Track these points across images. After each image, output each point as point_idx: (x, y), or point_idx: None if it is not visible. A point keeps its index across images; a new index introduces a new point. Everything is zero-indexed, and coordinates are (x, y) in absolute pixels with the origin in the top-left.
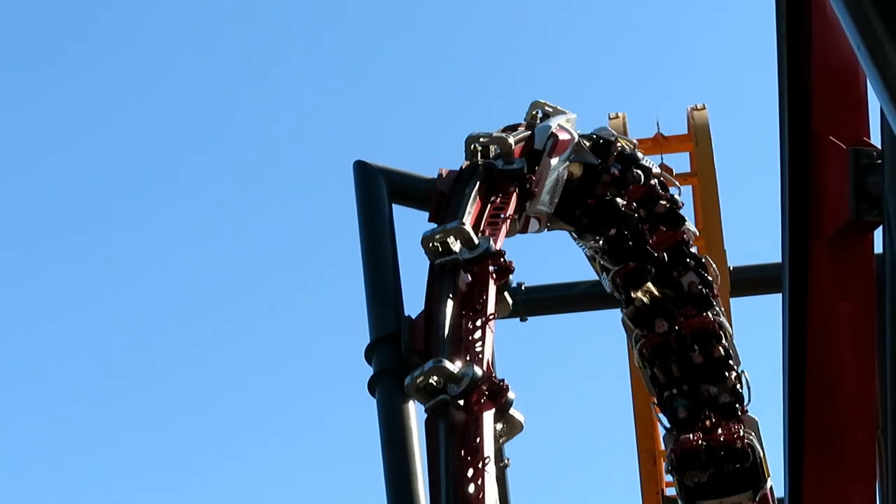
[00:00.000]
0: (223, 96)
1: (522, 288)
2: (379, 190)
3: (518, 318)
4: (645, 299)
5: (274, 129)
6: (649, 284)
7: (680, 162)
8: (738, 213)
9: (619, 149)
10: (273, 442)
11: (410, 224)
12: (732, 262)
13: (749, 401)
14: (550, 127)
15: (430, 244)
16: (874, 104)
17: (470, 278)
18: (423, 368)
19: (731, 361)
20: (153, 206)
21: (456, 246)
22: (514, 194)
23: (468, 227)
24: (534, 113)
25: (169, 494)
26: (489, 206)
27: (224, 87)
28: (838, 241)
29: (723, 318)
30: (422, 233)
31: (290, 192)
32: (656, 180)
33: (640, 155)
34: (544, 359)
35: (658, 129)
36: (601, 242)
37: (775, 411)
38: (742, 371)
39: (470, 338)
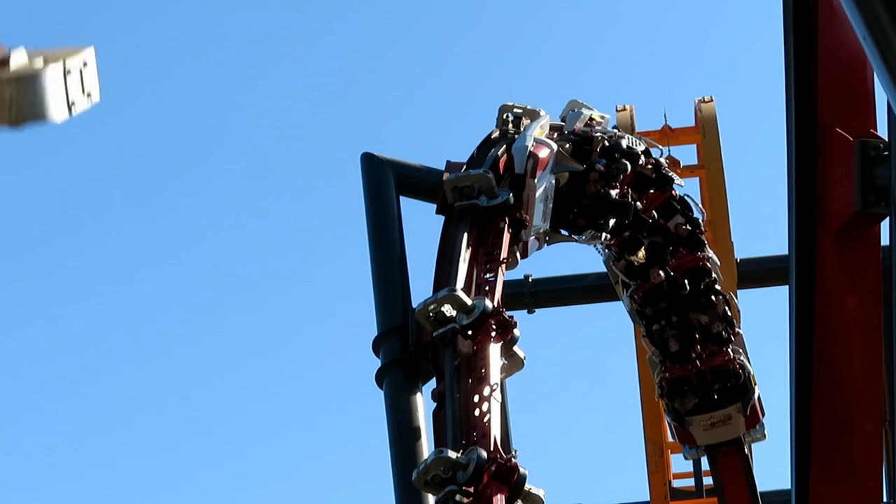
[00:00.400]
0: (231, 89)
1: (529, 280)
2: (386, 182)
3: (525, 311)
4: (640, 257)
5: (281, 122)
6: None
7: (687, 154)
8: (745, 205)
9: (600, 140)
10: (280, 435)
11: (418, 216)
12: (739, 255)
13: (739, 324)
14: (527, 147)
15: (427, 316)
16: (881, 97)
17: (472, 344)
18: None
19: (717, 287)
20: (161, 199)
21: (452, 313)
22: (506, 229)
23: (460, 292)
24: (504, 117)
25: (173, 488)
26: (481, 252)
27: (232, 80)
28: (845, 233)
29: (711, 253)
30: (417, 304)
31: (297, 185)
32: (643, 157)
33: (618, 135)
34: (552, 351)
35: (665, 121)
36: (607, 238)
37: (782, 403)
38: (729, 294)
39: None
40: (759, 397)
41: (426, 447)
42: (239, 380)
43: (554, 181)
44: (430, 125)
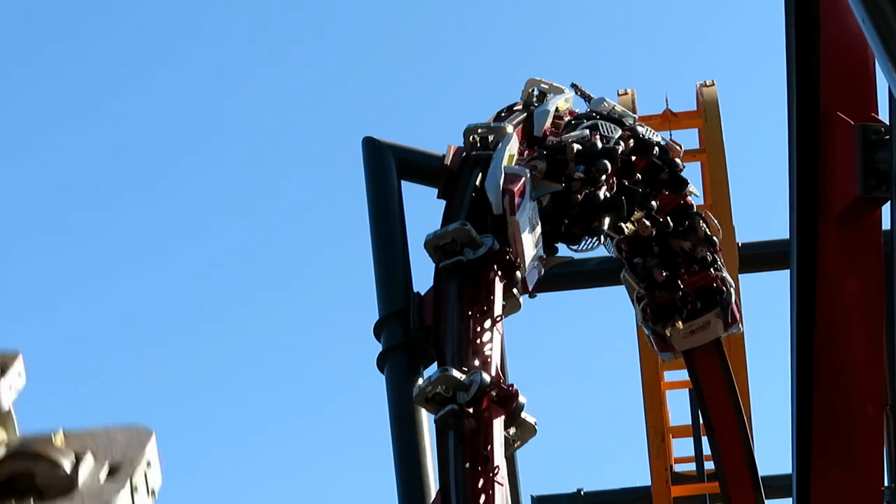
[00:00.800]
0: (233, 76)
1: None
2: (388, 166)
3: (527, 295)
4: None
5: (284, 107)
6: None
7: (689, 138)
8: (746, 189)
9: (573, 148)
10: (282, 420)
11: (419, 200)
12: (741, 239)
13: (719, 238)
14: (499, 184)
15: (426, 397)
16: (883, 82)
17: (474, 423)
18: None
19: (695, 208)
20: (164, 187)
21: (450, 392)
22: (497, 279)
23: (452, 371)
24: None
25: (179, 477)
26: (475, 313)
27: (234, 67)
28: (846, 217)
29: (692, 188)
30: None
31: (298, 170)
32: (622, 142)
33: (588, 136)
34: (553, 336)
35: (667, 105)
36: (610, 239)
37: (784, 388)
38: (705, 213)
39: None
40: (736, 301)
41: (427, 429)
42: (240, 364)
43: (536, 205)
44: (431, 110)
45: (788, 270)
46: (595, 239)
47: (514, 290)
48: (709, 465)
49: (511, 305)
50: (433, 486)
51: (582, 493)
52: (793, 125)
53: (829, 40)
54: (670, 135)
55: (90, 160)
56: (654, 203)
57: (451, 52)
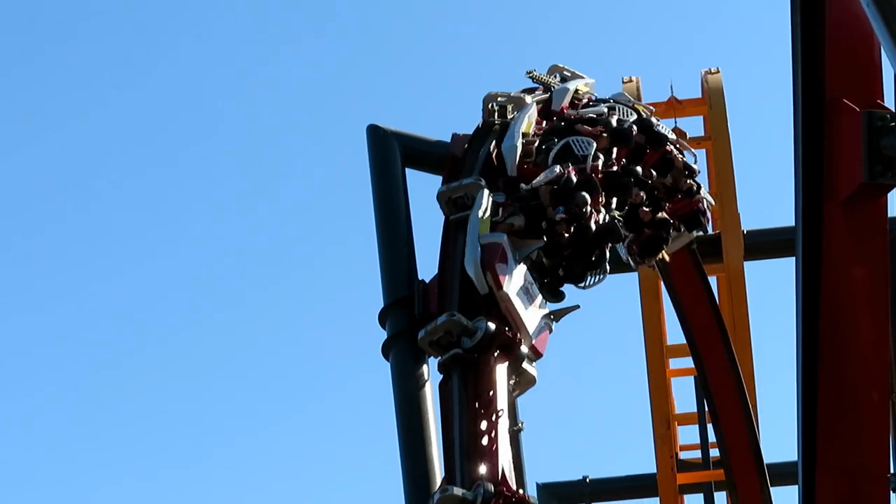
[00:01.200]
0: (239, 64)
1: None
2: (392, 154)
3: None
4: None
5: (286, 97)
6: None
7: (694, 125)
8: (752, 176)
9: (546, 191)
10: (288, 408)
11: (424, 188)
12: (746, 226)
13: (696, 160)
14: (476, 262)
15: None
16: (888, 69)
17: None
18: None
19: (670, 144)
20: (169, 176)
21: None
22: (496, 365)
23: (455, 488)
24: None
25: (185, 465)
26: (478, 409)
27: (239, 56)
28: (851, 203)
29: (671, 135)
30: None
31: (303, 160)
32: (601, 164)
33: (562, 172)
34: (558, 323)
35: (672, 92)
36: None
37: (789, 374)
38: (677, 140)
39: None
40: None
41: (432, 418)
42: (246, 354)
43: (524, 265)
44: (436, 97)
45: (794, 258)
46: (600, 271)
47: (524, 364)
48: (714, 453)
49: (524, 381)
50: (439, 473)
51: (587, 480)
52: (798, 112)
53: (834, 27)
54: (675, 122)
55: (89, 160)
56: (639, 169)
57: (454, 39)
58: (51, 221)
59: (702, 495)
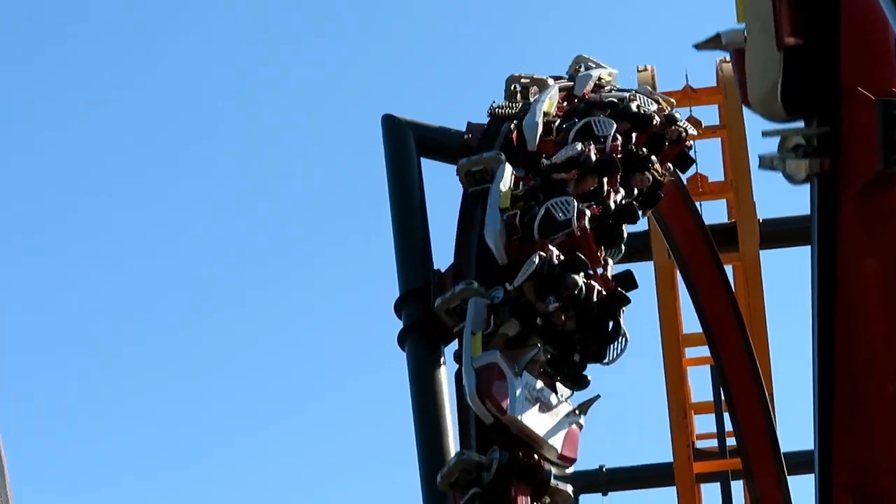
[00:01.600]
0: (239, 64)
1: None
2: (407, 144)
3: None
4: None
5: (303, 84)
6: None
7: (709, 114)
8: None
9: (531, 284)
10: (287, 407)
11: (439, 177)
12: (762, 215)
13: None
14: (474, 394)
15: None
16: None
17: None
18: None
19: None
20: (169, 176)
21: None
22: (521, 492)
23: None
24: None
25: (196, 458)
26: None
27: (252, 44)
28: (867, 192)
29: (663, 103)
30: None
31: (319, 151)
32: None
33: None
34: None
35: (687, 81)
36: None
37: (806, 362)
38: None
39: None
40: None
41: (448, 407)
42: (263, 343)
43: (528, 376)
44: (451, 87)
45: (809, 246)
46: (621, 338)
47: (555, 483)
48: (731, 442)
49: (560, 500)
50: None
51: (604, 469)
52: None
53: (848, 15)
54: (690, 111)
55: (89, 160)
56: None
57: (468, 29)
58: (51, 221)
59: (718, 484)
